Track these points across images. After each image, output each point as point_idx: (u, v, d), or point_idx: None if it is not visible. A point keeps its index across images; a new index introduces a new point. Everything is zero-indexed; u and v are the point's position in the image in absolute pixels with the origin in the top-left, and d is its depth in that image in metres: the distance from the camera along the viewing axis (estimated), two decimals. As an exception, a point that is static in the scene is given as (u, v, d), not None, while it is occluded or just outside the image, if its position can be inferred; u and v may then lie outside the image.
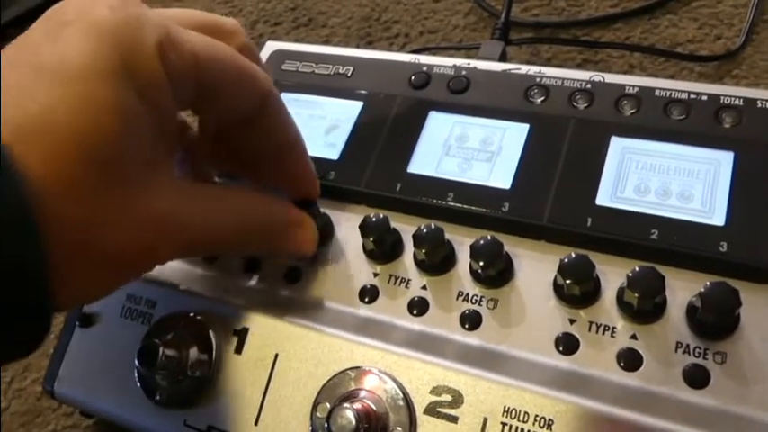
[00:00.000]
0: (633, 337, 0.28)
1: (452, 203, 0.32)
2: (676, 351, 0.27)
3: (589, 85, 0.34)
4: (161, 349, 0.29)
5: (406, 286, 0.31)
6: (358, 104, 0.37)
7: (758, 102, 0.31)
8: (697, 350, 0.27)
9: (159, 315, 0.32)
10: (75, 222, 0.21)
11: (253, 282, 0.34)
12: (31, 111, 0.20)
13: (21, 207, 0.19)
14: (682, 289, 0.28)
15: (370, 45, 0.51)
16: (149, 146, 0.24)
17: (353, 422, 0.25)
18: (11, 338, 0.20)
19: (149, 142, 0.24)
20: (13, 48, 0.23)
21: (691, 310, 0.27)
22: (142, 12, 0.24)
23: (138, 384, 0.31)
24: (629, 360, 0.27)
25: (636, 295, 0.27)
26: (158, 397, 0.30)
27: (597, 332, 0.28)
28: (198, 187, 0.29)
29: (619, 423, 0.24)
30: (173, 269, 0.35)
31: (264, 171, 0.32)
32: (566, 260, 0.28)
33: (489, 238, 0.29)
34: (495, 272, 0.30)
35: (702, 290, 0.26)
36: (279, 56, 0.41)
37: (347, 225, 0.34)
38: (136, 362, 0.30)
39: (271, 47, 0.42)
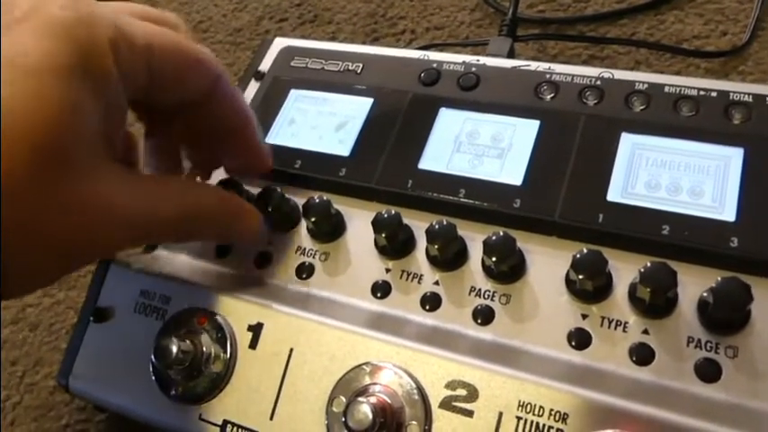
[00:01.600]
0: (645, 332, 0.28)
1: (464, 199, 0.32)
2: (688, 345, 0.27)
3: (599, 82, 0.34)
4: (176, 345, 0.29)
5: (419, 282, 0.32)
6: (368, 101, 0.37)
7: (767, 98, 0.31)
8: (708, 344, 0.27)
9: (173, 311, 0.32)
10: (19, 211, 0.22)
11: (265, 277, 0.34)
12: None
13: None
14: (693, 284, 0.28)
15: (376, 41, 0.51)
16: (96, 137, 0.25)
17: (370, 416, 0.25)
18: None
19: (97, 134, 0.25)
20: None
21: (702, 305, 0.27)
22: (92, 9, 0.25)
23: (153, 379, 0.31)
24: (642, 355, 0.27)
25: (648, 290, 0.27)
26: (173, 392, 0.30)
27: (609, 327, 0.28)
28: (142, 176, 0.30)
29: (633, 417, 0.24)
30: (185, 264, 0.35)
31: (219, 152, 0.34)
32: (578, 256, 0.28)
33: (502, 233, 0.29)
34: (507, 267, 0.30)
35: (714, 285, 0.26)
36: (288, 52, 0.41)
37: (359, 221, 0.34)
38: (151, 357, 0.31)
39: (280, 43, 0.42)
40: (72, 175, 0.23)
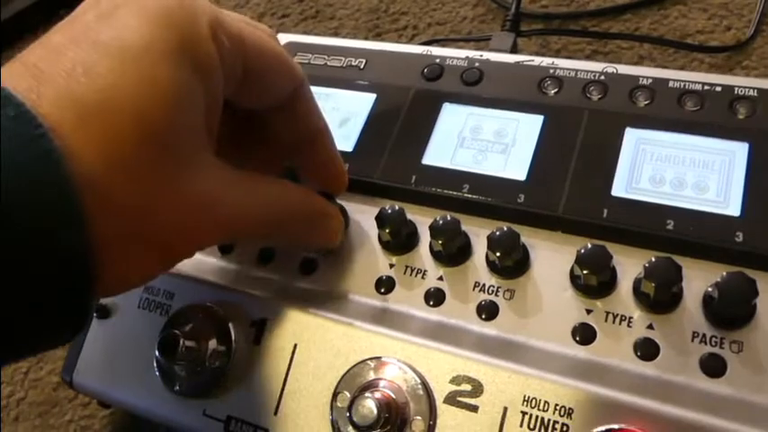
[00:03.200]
0: (650, 326, 0.28)
1: (468, 195, 0.32)
2: (693, 340, 0.27)
3: (602, 77, 0.34)
4: (181, 340, 0.29)
5: (423, 277, 0.32)
6: (371, 96, 0.37)
7: (773, 93, 0.31)
8: (713, 339, 0.27)
9: (177, 306, 0.32)
10: (125, 206, 0.21)
11: (269, 273, 0.34)
12: (91, 86, 0.20)
13: (61, 190, 0.19)
14: (697, 279, 0.28)
15: (378, 37, 0.51)
16: (202, 128, 0.24)
17: (375, 411, 0.25)
18: (52, 325, 0.20)
19: (201, 123, 0.24)
20: (67, 24, 0.22)
21: (707, 300, 0.27)
22: None
23: (158, 374, 0.31)
24: (646, 349, 0.27)
25: (653, 285, 0.27)
26: (177, 387, 0.30)
27: (614, 322, 0.28)
28: (240, 172, 0.27)
29: (639, 412, 0.24)
30: (188, 260, 0.35)
31: (295, 160, 0.32)
32: (583, 251, 0.28)
33: (506, 228, 0.29)
34: (512, 262, 0.30)
35: (719, 280, 0.26)
36: (291, 48, 0.41)
37: (362, 217, 0.34)
38: (156, 352, 0.31)
39: (282, 39, 0.42)
40: (181, 165, 0.22)
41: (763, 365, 0.26)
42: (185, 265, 0.34)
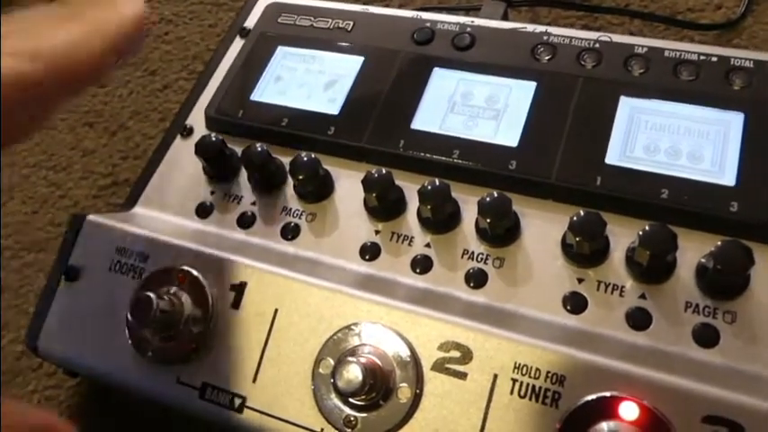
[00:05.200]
0: (642, 296, 0.27)
1: (458, 160, 0.31)
2: (686, 310, 0.27)
3: (597, 45, 0.33)
4: (155, 303, 0.28)
5: (409, 244, 0.31)
6: (359, 59, 0.36)
7: (769, 64, 0.30)
8: (707, 309, 0.26)
9: (151, 269, 0.30)
10: None
11: (248, 236, 0.32)
12: None
13: None
14: (691, 249, 0.27)
15: (365, 5, 0.49)
16: None
17: (360, 377, 0.24)
18: None
19: None
20: None
21: (701, 270, 0.27)
22: None
23: (129, 340, 0.29)
24: (638, 319, 0.27)
25: (647, 253, 0.26)
26: (150, 353, 0.29)
27: (606, 291, 0.28)
28: None
29: (631, 379, 0.24)
30: (164, 223, 0.34)
31: None
32: (576, 217, 0.27)
33: (497, 194, 0.28)
34: (502, 229, 0.29)
35: (714, 249, 0.26)
36: (275, 8, 0.39)
37: (347, 182, 0.33)
38: (128, 316, 0.29)
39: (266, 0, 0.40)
40: None
41: (757, 336, 0.25)
42: (160, 228, 0.33)
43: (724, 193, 0.28)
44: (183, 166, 0.36)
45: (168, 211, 0.34)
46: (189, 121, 0.37)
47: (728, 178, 0.28)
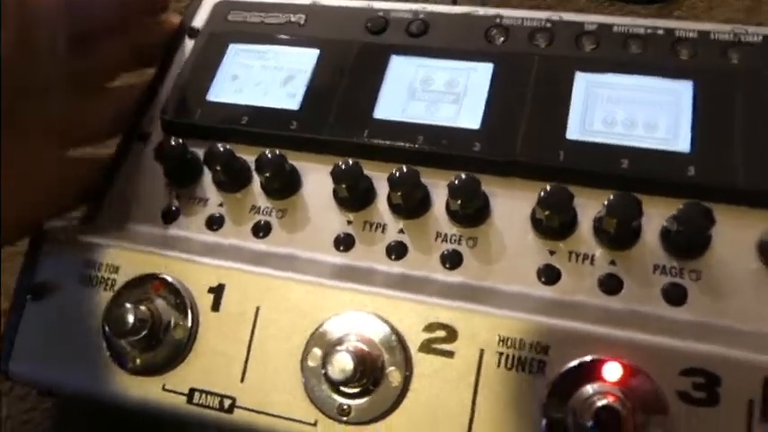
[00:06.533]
0: (612, 263, 0.28)
1: (423, 146, 0.32)
2: (654, 272, 0.28)
3: (549, 24, 0.34)
4: (132, 313, 0.27)
5: (383, 231, 0.31)
6: (314, 52, 0.36)
7: (711, 34, 0.32)
8: (673, 270, 0.28)
9: (124, 279, 0.30)
10: None
11: (219, 237, 0.32)
12: None
13: None
14: (655, 215, 0.28)
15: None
16: None
17: (351, 365, 0.25)
18: None
19: None
20: None
21: (665, 233, 0.28)
22: None
23: (108, 354, 0.29)
24: (610, 285, 0.28)
25: (614, 221, 0.27)
26: (131, 365, 0.28)
27: (577, 261, 0.29)
28: None
29: (611, 342, 0.25)
30: (129, 231, 0.33)
31: None
32: (544, 193, 0.28)
33: (466, 176, 0.29)
34: (473, 210, 0.30)
35: (676, 212, 0.27)
36: (223, 7, 0.39)
37: (314, 175, 0.33)
38: (105, 329, 0.29)
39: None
40: None
41: (722, 291, 0.27)
42: (126, 237, 0.32)
43: (680, 159, 0.29)
44: (143, 173, 0.35)
45: (133, 220, 0.34)
46: (145, 127, 0.36)
47: (683, 145, 0.29)
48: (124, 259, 0.30)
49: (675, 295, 0.27)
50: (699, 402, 0.23)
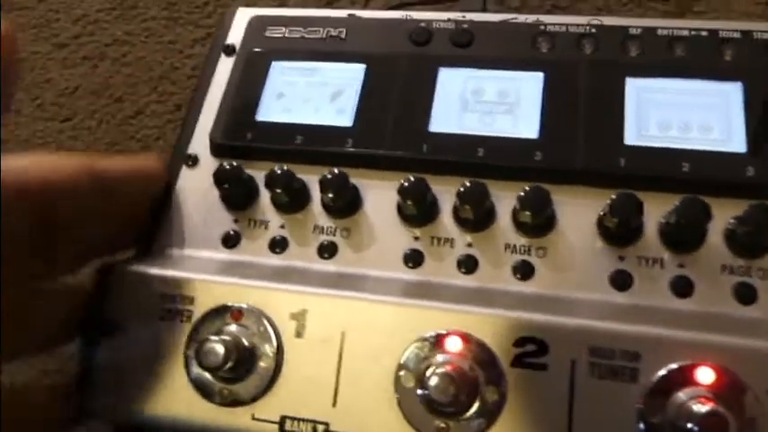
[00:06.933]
0: (680, 265, 0.29)
1: (484, 158, 0.32)
2: (723, 273, 0.29)
3: (593, 30, 0.35)
4: (221, 345, 0.27)
5: (451, 246, 0.31)
6: (360, 67, 0.36)
7: (754, 33, 0.33)
8: (741, 269, 0.29)
9: (201, 310, 0.29)
10: None
11: (285, 260, 0.32)
12: None
13: None
14: (720, 217, 0.29)
15: (329, 5, 0.49)
16: None
17: (451, 385, 0.25)
18: None
19: None
20: None
21: (730, 234, 0.29)
22: None
23: (193, 388, 0.29)
24: (681, 287, 0.29)
25: (683, 224, 0.28)
26: (218, 399, 0.28)
27: (647, 265, 0.30)
28: None
29: (699, 346, 0.26)
30: (192, 260, 0.33)
31: None
32: (613, 200, 0.29)
33: (534, 187, 0.30)
34: (542, 220, 0.30)
35: (742, 213, 0.28)
36: (259, 22, 0.38)
37: (374, 192, 0.33)
38: (187, 362, 0.29)
39: (246, 12, 0.39)
40: None
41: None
42: (190, 266, 0.32)
43: (738, 159, 0.30)
44: (196, 198, 0.35)
45: (192, 247, 0.33)
46: (191, 150, 0.36)
47: (738, 145, 0.31)
48: (199, 290, 0.30)
49: (746, 294, 0.28)
50: (785, 399, 0.25)
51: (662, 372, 0.25)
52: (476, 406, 0.26)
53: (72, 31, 0.49)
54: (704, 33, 0.33)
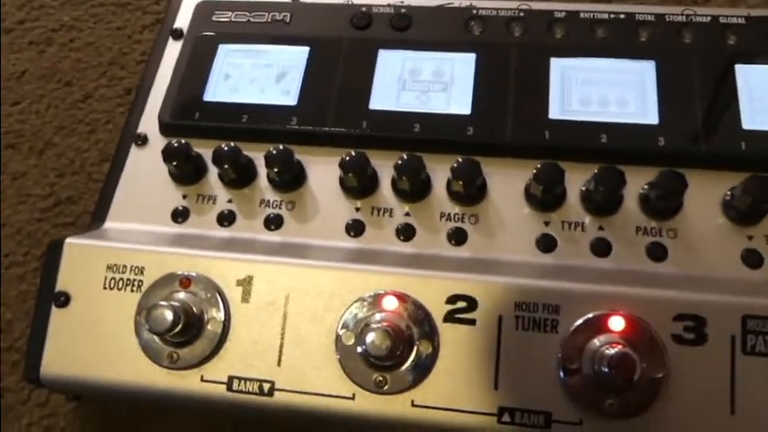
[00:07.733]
0: (600, 228, 0.32)
1: (420, 133, 0.34)
2: (637, 234, 0.31)
3: (521, 13, 0.37)
4: (170, 311, 0.28)
5: (390, 215, 0.33)
6: (304, 49, 0.37)
7: (666, 16, 0.36)
8: (653, 230, 0.31)
9: (150, 280, 0.31)
10: None
11: (233, 232, 0.34)
12: None
13: None
14: (634, 182, 0.32)
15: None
16: None
17: (387, 341, 0.27)
18: None
19: None
20: None
21: (644, 198, 0.32)
22: None
23: (144, 352, 0.30)
24: (601, 248, 0.31)
25: (602, 191, 0.31)
26: (168, 361, 0.30)
27: (570, 229, 0.32)
28: None
29: (612, 297, 0.28)
30: (142, 233, 0.34)
31: None
32: (537, 169, 0.31)
33: (466, 159, 0.32)
34: (474, 190, 0.32)
35: (654, 179, 0.31)
36: (205, 7, 0.40)
37: (318, 167, 0.35)
38: (139, 328, 0.30)
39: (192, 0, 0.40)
40: None
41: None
42: (141, 238, 0.33)
43: (651, 131, 0.33)
44: (145, 175, 0.36)
45: (143, 221, 0.35)
46: (141, 130, 0.37)
47: (652, 117, 0.33)
48: (148, 260, 0.31)
49: (657, 252, 0.31)
50: (690, 342, 0.27)
51: (579, 322, 0.28)
52: (410, 359, 0.28)
53: (17, 17, 0.49)
54: (622, 16, 0.36)
